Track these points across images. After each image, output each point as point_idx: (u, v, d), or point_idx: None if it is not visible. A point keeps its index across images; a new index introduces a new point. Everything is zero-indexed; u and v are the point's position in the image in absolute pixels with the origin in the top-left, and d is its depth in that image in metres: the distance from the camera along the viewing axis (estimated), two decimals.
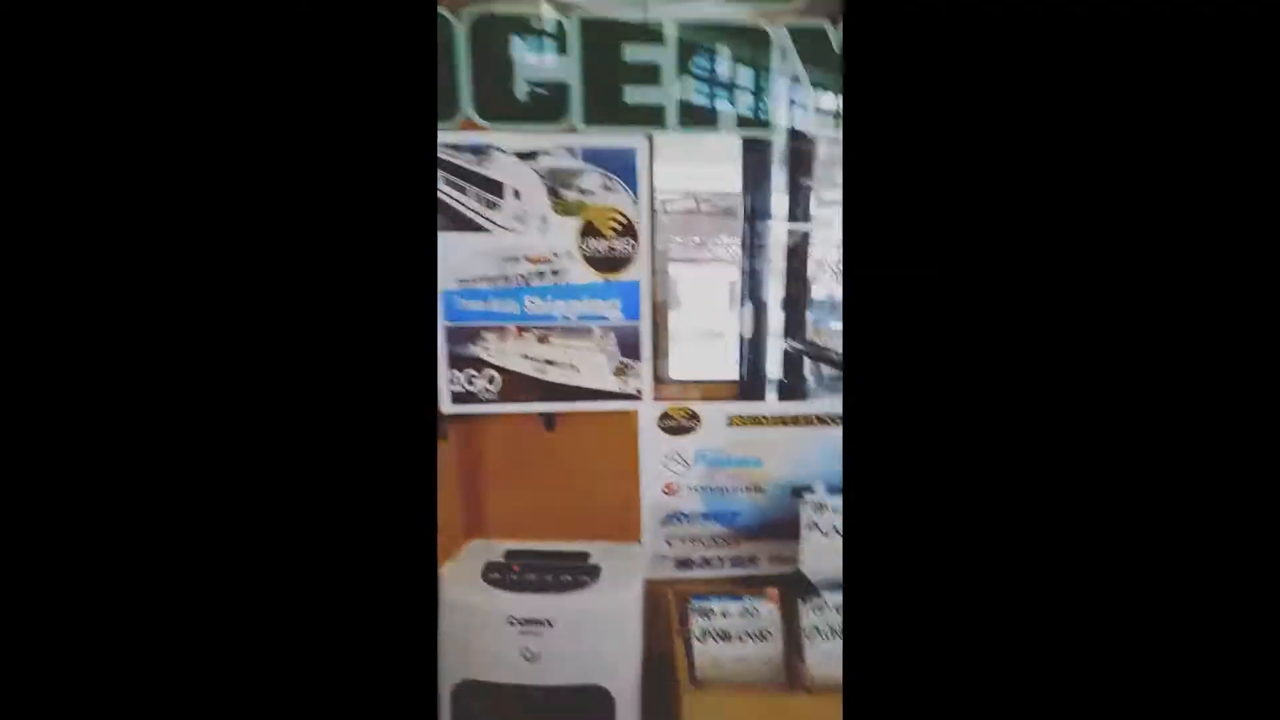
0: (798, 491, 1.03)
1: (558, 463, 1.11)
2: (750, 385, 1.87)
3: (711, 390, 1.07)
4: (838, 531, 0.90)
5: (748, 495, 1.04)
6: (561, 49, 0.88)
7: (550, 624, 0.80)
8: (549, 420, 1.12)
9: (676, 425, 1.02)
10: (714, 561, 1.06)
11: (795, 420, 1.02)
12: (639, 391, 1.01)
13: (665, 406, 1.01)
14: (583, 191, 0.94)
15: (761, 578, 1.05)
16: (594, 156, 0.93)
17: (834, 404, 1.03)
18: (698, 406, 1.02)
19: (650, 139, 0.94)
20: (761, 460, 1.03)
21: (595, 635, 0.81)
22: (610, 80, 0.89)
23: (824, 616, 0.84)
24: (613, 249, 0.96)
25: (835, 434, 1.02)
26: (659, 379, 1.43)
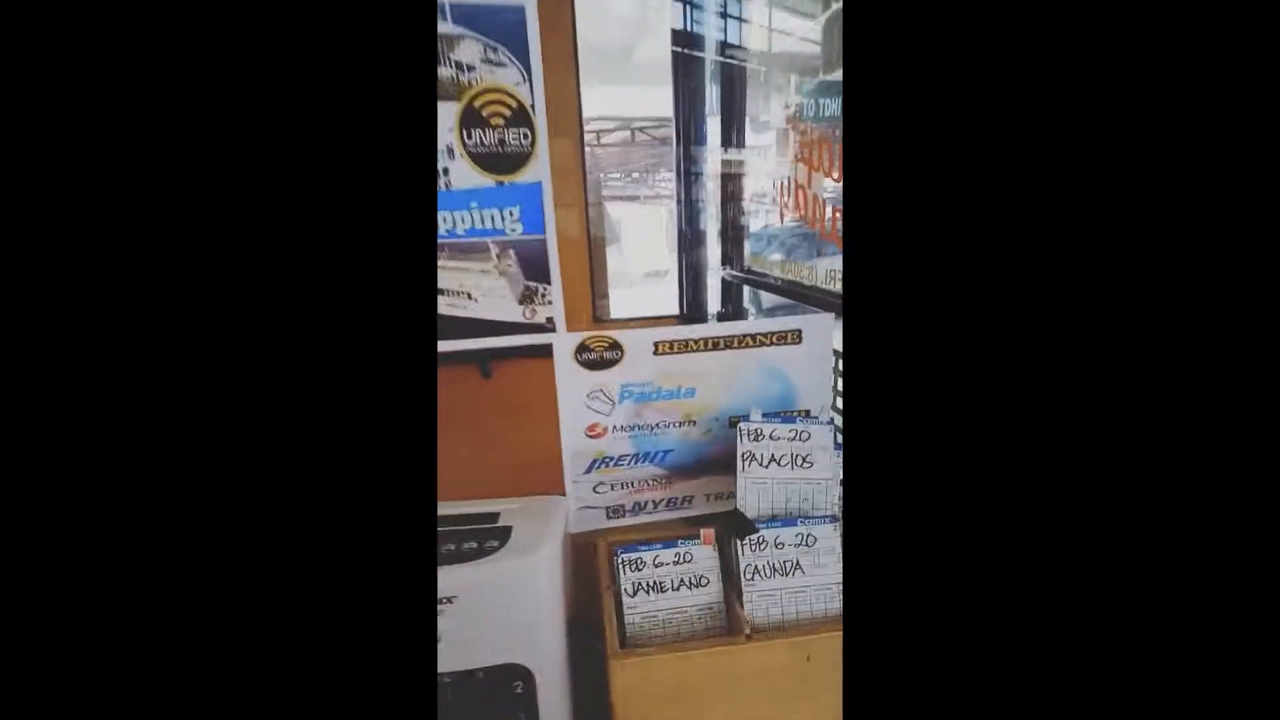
0: (734, 421, 0.93)
1: (495, 415, 0.99)
2: (690, 319, 1.76)
3: (653, 325, 0.96)
4: (777, 461, 0.81)
5: (680, 431, 0.93)
6: None
7: (451, 600, 0.67)
8: (485, 369, 0.96)
9: (597, 358, 0.88)
10: (647, 506, 0.96)
11: (728, 343, 0.90)
12: (550, 321, 0.85)
13: (581, 337, 0.87)
14: (459, 67, 0.74)
15: (698, 519, 0.97)
16: (470, 17, 0.72)
17: (768, 324, 0.92)
18: (619, 335, 0.88)
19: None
20: (695, 390, 0.91)
21: (507, 607, 0.69)
22: None
23: (764, 554, 0.75)
24: (503, 142, 0.78)
25: (771, 355, 0.92)
26: (598, 319, 1.31)
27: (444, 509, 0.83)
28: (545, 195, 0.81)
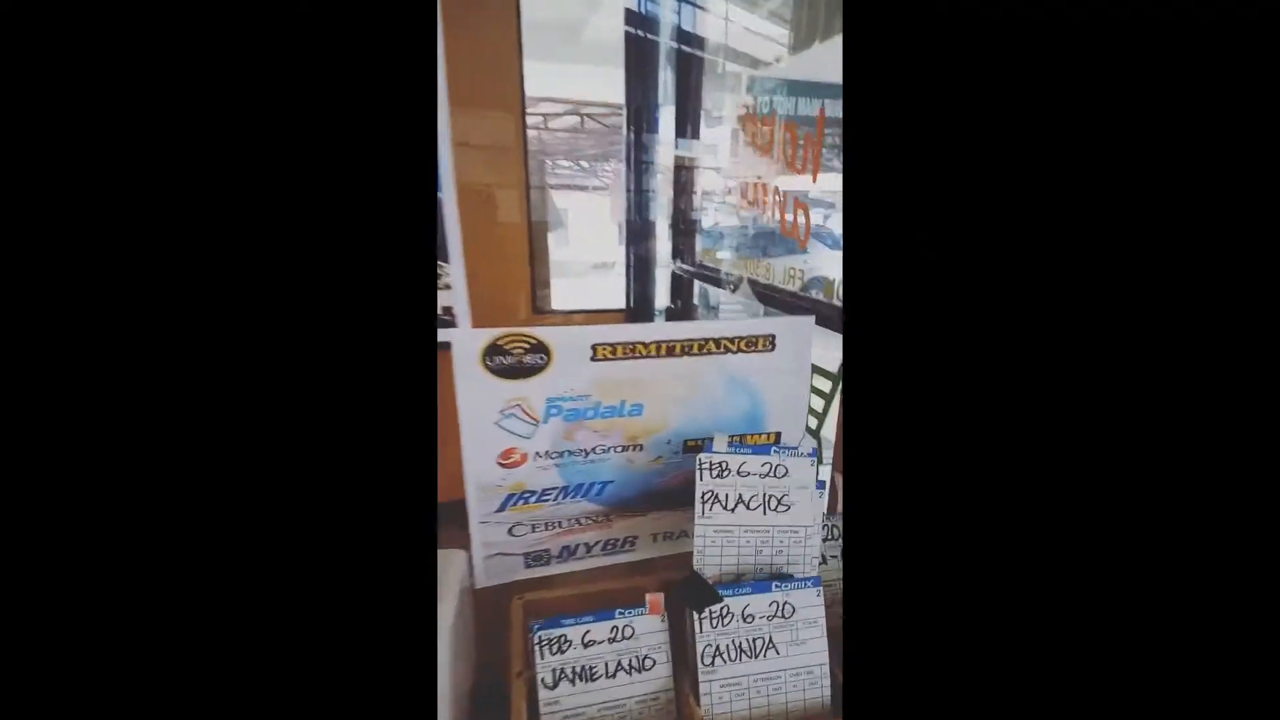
0: (690, 445, 0.74)
1: None
2: (637, 314, 1.61)
3: (596, 319, 0.79)
4: (746, 504, 0.63)
5: (622, 457, 0.73)
6: None
7: None
8: None
9: (515, 364, 0.67)
10: (579, 550, 0.76)
11: (685, 348, 0.72)
12: (449, 313, 0.64)
13: (492, 335, 0.66)
14: None
15: (644, 564, 0.78)
16: None
17: (736, 327, 0.73)
18: (546, 334, 0.67)
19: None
20: (641, 406, 0.72)
21: None
22: None
23: (728, 631, 0.57)
24: None
25: (738, 364, 0.74)
26: (538, 310, 1.19)
27: None
28: (447, 163, 0.59)
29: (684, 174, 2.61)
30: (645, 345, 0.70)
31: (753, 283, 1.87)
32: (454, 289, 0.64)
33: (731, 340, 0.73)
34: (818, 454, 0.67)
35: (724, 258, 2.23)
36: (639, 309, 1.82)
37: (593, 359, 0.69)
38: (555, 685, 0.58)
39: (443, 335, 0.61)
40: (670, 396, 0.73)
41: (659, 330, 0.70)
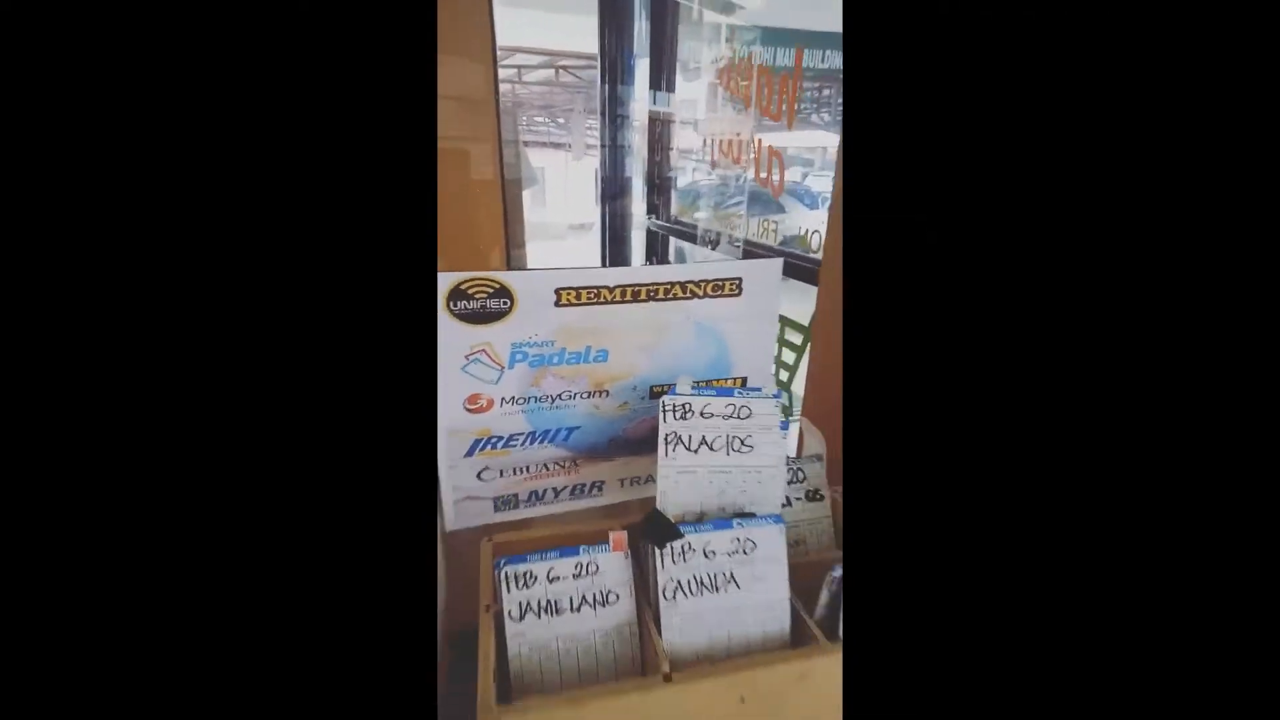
0: (656, 391, 0.75)
1: None
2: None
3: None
4: (709, 445, 0.64)
5: (589, 403, 0.74)
6: None
7: None
8: None
9: (479, 308, 0.66)
10: (546, 495, 0.77)
11: (651, 292, 0.71)
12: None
13: (456, 279, 0.65)
14: None
15: (612, 508, 0.79)
16: None
17: (701, 269, 0.73)
18: (509, 278, 0.67)
19: None
20: (607, 352, 0.72)
21: None
22: None
23: (686, 566, 0.59)
24: None
25: (704, 309, 0.73)
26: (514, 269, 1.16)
27: None
28: None
29: (659, 129, 2.54)
30: (609, 290, 0.69)
31: (730, 238, 1.85)
32: None
33: (697, 284, 0.72)
34: (782, 396, 0.67)
35: (700, 215, 2.19)
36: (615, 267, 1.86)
37: (556, 304, 0.68)
38: (522, 618, 0.59)
39: None
40: (636, 343, 0.72)
41: (623, 275, 0.70)
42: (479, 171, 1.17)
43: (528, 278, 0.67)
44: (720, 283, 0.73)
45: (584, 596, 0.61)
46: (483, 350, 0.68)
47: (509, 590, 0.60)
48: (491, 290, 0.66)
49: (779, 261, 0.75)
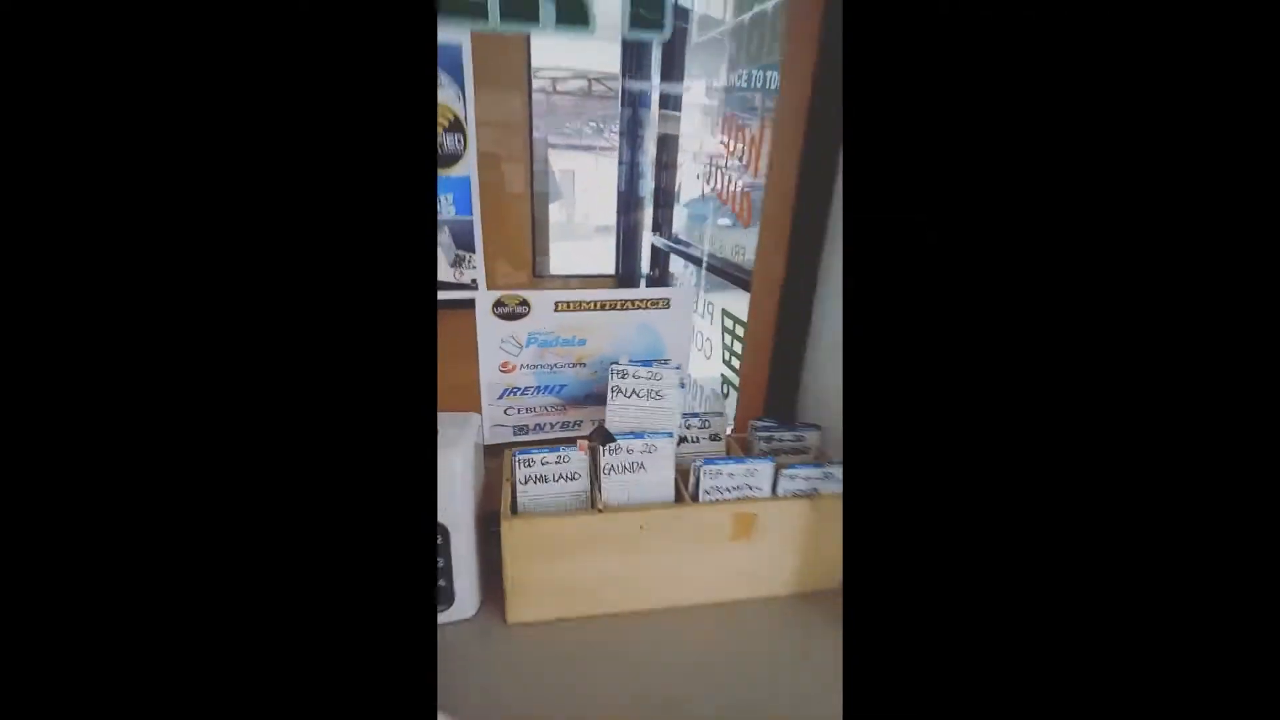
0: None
1: (441, 356, 1.23)
2: (625, 280, 1.95)
3: (590, 284, 1.18)
4: (637, 394, 1.12)
5: (573, 370, 1.22)
6: None
7: None
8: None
9: (510, 311, 1.16)
10: (545, 426, 1.25)
11: (613, 305, 1.20)
12: (474, 281, 1.12)
13: (499, 295, 1.14)
14: None
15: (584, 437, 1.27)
16: None
17: (644, 293, 1.21)
18: (529, 294, 1.16)
19: (471, 35, 0.98)
20: (585, 340, 1.20)
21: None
22: None
23: (618, 457, 1.06)
24: (443, 145, 1.03)
25: (646, 316, 1.22)
26: (537, 275, 1.48)
27: None
28: (473, 187, 1.07)
29: (664, 149, 2.73)
30: (588, 303, 1.18)
31: (712, 256, 2.20)
32: (477, 269, 1.12)
33: (642, 301, 1.21)
34: (680, 369, 1.15)
35: (694, 233, 2.51)
36: (626, 276, 1.93)
37: (555, 310, 1.17)
38: (525, 484, 1.07)
39: (471, 295, 1.10)
40: (604, 335, 1.21)
41: (597, 294, 1.18)
42: (512, 188, 1.33)
43: (541, 295, 1.16)
44: (656, 300, 1.21)
45: (559, 475, 1.08)
46: (511, 336, 1.17)
47: (519, 469, 1.08)
48: (519, 302, 1.15)
49: (691, 290, 1.23)
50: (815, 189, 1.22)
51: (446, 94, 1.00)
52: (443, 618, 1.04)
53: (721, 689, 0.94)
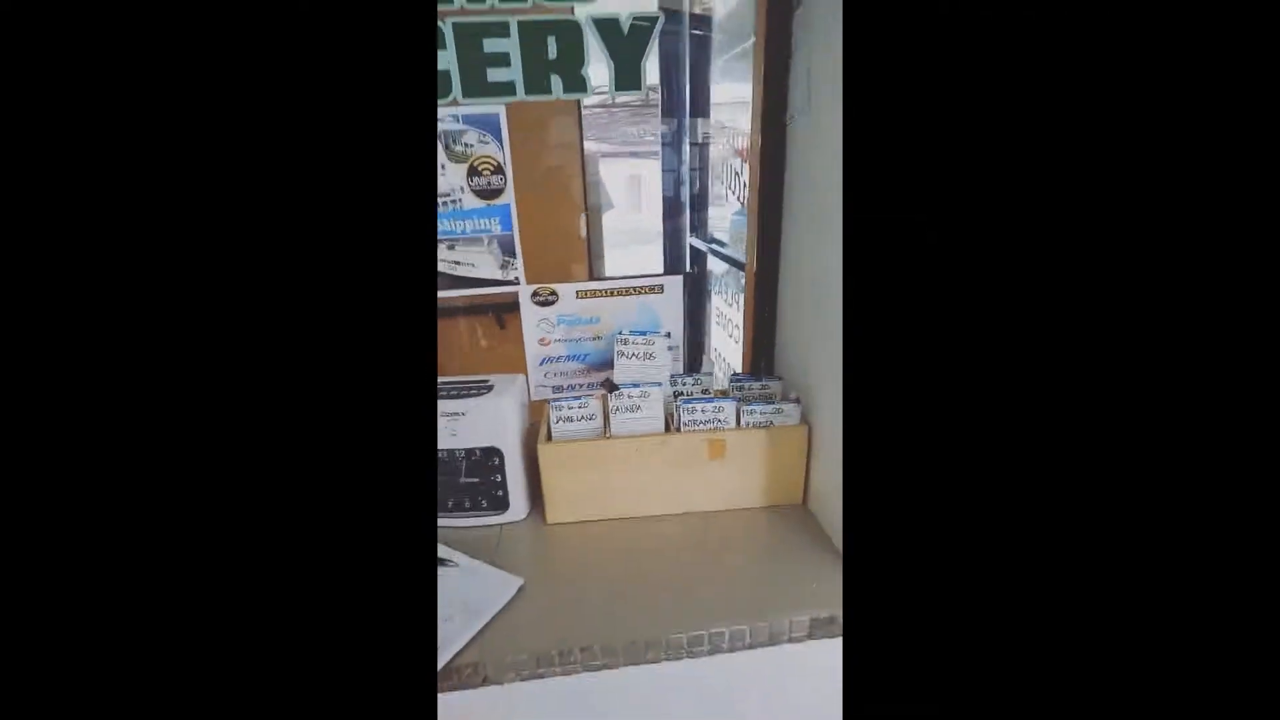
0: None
1: (502, 339, 1.67)
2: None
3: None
4: (637, 356, 1.50)
5: (593, 343, 1.63)
6: (441, 45, 1.31)
7: (463, 414, 1.38)
8: (500, 320, 1.67)
9: (544, 300, 1.58)
10: (573, 386, 1.67)
11: (621, 291, 1.59)
12: (517, 279, 1.55)
13: (535, 287, 1.56)
14: (466, 145, 1.42)
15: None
16: (471, 120, 1.40)
17: (643, 280, 1.59)
18: (556, 286, 1.57)
19: (505, 106, 1.41)
20: (599, 318, 1.60)
21: (491, 420, 1.40)
22: (476, 65, 1.34)
23: (623, 401, 1.45)
24: (489, 184, 1.46)
25: (646, 299, 1.60)
26: (594, 277, 1.88)
27: (466, 376, 1.55)
28: (513, 211, 1.49)
29: (698, 155, 2.98)
30: (601, 290, 1.58)
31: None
32: (519, 268, 1.55)
33: (641, 288, 1.59)
34: (671, 337, 1.52)
35: (735, 236, 2.75)
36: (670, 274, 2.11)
37: (577, 298, 1.58)
38: (558, 423, 1.48)
39: (514, 289, 1.52)
40: (614, 314, 1.60)
41: (607, 284, 1.58)
42: (570, 198, 1.81)
43: (565, 286, 1.57)
44: (653, 286, 1.59)
45: (581, 415, 1.48)
46: (547, 317, 1.59)
47: (553, 412, 1.48)
48: (550, 291, 1.57)
49: (680, 278, 1.60)
50: (769, 180, 1.55)
51: (489, 148, 1.42)
52: (501, 519, 1.47)
53: (706, 572, 1.31)
